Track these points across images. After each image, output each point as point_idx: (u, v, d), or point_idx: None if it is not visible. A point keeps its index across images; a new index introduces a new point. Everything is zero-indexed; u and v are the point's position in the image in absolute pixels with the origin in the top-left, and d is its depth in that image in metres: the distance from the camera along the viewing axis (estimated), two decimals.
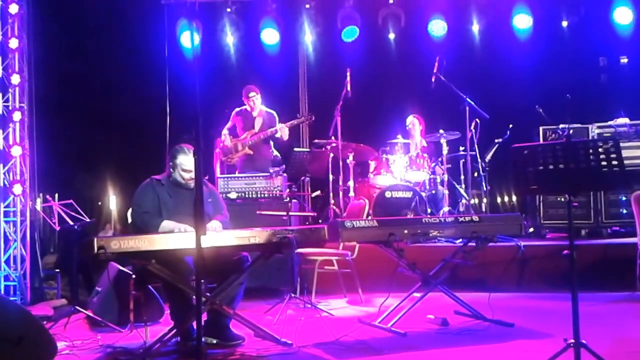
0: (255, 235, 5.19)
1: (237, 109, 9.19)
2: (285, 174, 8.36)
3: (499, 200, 10.63)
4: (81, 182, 9.77)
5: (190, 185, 5.79)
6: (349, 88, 8.79)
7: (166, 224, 5.59)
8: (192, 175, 5.70)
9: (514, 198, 10.55)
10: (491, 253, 7.42)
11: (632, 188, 7.45)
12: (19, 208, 8.57)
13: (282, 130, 8.82)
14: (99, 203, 10.41)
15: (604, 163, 4.30)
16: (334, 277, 7.46)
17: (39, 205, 8.66)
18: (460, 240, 7.13)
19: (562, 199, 8.57)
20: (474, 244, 6.21)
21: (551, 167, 4.38)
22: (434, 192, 8.99)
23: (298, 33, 10.66)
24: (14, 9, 8.82)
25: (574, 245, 4.43)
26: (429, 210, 8.56)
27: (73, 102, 9.90)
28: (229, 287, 5.40)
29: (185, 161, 5.76)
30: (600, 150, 4.34)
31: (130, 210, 5.93)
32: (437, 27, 10.15)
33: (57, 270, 8.51)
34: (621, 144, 4.48)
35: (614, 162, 4.29)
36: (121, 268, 6.56)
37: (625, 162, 4.51)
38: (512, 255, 7.70)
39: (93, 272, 7.94)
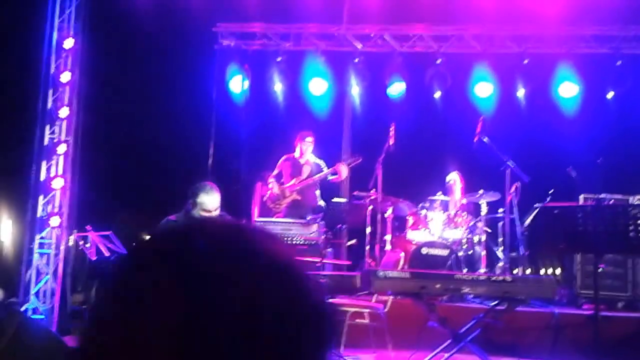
0: None
1: (285, 156, 9.32)
2: (322, 222, 8.38)
3: (536, 265, 10.43)
4: (120, 219, 9.84)
5: None
6: (391, 142, 8.85)
7: None
8: (212, 215, 5.62)
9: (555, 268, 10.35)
10: (525, 318, 7.30)
11: None
12: (54, 241, 8.62)
13: (341, 169, 8.94)
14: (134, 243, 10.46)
15: (631, 227, 4.30)
16: (364, 331, 7.33)
17: (72, 241, 8.72)
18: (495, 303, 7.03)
19: (600, 269, 8.39)
20: (506, 305, 6.12)
21: (580, 228, 4.39)
22: (470, 252, 8.88)
23: (345, 85, 10.78)
24: (68, 43, 9.07)
25: (599, 308, 4.38)
26: (464, 270, 8.47)
27: (118, 139, 10.07)
28: None
29: (207, 201, 5.59)
30: (628, 215, 4.34)
31: None
32: (483, 90, 10.21)
33: (84, 306, 8.50)
34: None
35: None
36: None
37: None
38: (546, 322, 7.53)
39: None
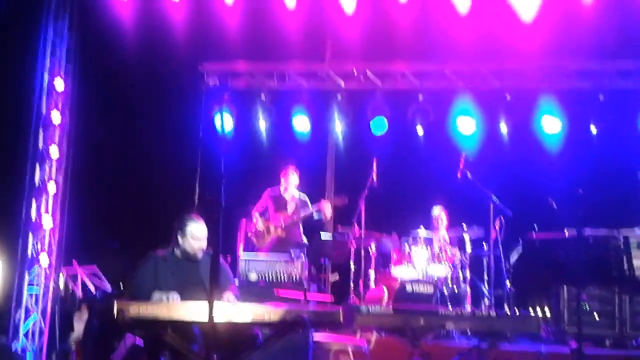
0: (270, 312, 5.17)
1: (269, 190, 9.37)
2: (306, 258, 8.42)
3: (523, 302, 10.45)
4: (109, 257, 9.84)
5: (198, 257, 5.81)
6: (374, 177, 8.91)
7: (156, 295, 5.53)
8: (202, 244, 5.79)
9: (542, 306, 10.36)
10: (511, 357, 7.30)
11: None
12: (43, 280, 8.63)
13: (326, 207, 8.97)
14: (121, 288, 10.45)
15: (613, 260, 4.37)
16: None
17: (61, 282, 8.72)
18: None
19: (587, 306, 8.41)
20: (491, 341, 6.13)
21: (562, 260, 4.45)
22: (456, 290, 8.83)
23: (328, 122, 10.93)
24: (59, 84, 9.19)
25: (582, 343, 4.42)
26: (450, 307, 8.45)
27: (108, 178, 10.11)
28: None
29: (196, 229, 5.77)
30: (610, 247, 4.41)
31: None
32: (466, 125, 10.35)
33: (72, 345, 8.45)
34: None
35: (623, 257, 4.35)
36: (137, 340, 6.56)
37: None
38: None
39: (109, 346, 7.90)
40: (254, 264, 8.24)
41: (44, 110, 9.10)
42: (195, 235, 5.78)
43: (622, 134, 10.17)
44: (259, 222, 9.11)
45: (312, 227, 9.33)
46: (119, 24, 9.60)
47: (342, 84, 10.84)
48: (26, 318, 8.50)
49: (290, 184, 9.34)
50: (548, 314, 9.07)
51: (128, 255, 9.61)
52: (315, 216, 9.13)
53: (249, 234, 9.17)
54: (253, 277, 8.08)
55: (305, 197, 9.28)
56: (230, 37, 9.84)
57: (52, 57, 9.28)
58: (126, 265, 9.61)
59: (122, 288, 8.54)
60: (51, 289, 8.65)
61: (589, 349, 7.42)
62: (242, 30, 9.77)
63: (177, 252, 5.89)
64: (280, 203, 9.24)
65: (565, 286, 8.27)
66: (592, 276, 4.55)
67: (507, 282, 8.98)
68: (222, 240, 4.40)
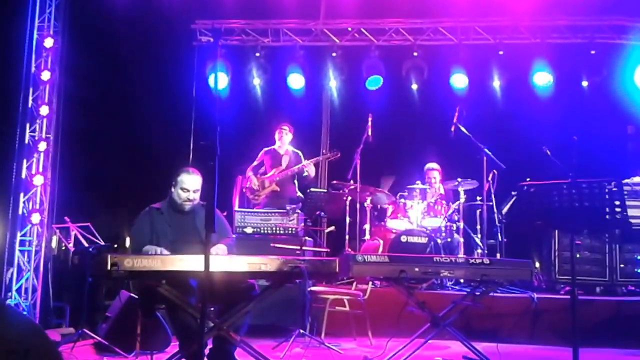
0: (267, 263, 5.15)
1: (266, 148, 9.44)
2: (301, 211, 8.46)
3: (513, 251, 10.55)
4: (101, 215, 9.84)
5: (185, 207, 5.78)
6: (370, 133, 8.91)
7: (146, 248, 5.51)
8: (190, 196, 5.75)
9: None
10: (504, 304, 7.44)
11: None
12: (35, 238, 8.66)
13: (309, 167, 9.01)
14: (115, 245, 10.46)
15: (607, 204, 4.40)
16: (344, 318, 7.41)
17: (54, 240, 8.74)
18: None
19: (578, 255, 8.51)
20: (484, 288, 6.19)
21: (556, 205, 4.47)
22: (449, 239, 8.92)
23: (323, 79, 10.97)
24: (49, 42, 9.13)
25: (576, 291, 4.46)
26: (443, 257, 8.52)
27: (99, 136, 10.06)
28: (237, 314, 5.37)
29: (187, 180, 5.74)
30: (604, 193, 4.44)
31: (128, 240, 5.93)
32: (459, 81, 10.38)
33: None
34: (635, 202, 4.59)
35: (616, 202, 4.38)
36: (132, 295, 6.59)
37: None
38: (525, 307, 7.64)
39: (104, 300, 7.93)
40: (250, 217, 8.29)
41: (33, 69, 9.06)
42: (185, 186, 5.74)
43: (616, 88, 10.20)
44: (253, 180, 9.14)
45: (302, 184, 9.36)
46: None
47: (337, 41, 10.81)
48: (19, 276, 8.54)
49: (284, 142, 9.42)
50: (538, 265, 9.20)
51: (121, 212, 9.67)
52: (305, 173, 9.16)
53: (244, 190, 9.21)
54: (249, 230, 8.13)
55: (299, 152, 9.32)
56: None
57: (42, 15, 9.21)
58: (119, 221, 9.67)
59: (115, 244, 8.59)
60: (44, 246, 8.67)
61: (580, 296, 7.59)
62: None
63: (170, 202, 5.89)
64: (275, 158, 9.31)
65: (556, 235, 8.43)
66: (586, 221, 4.55)
67: (499, 234, 9.09)
68: (218, 197, 4.35)
